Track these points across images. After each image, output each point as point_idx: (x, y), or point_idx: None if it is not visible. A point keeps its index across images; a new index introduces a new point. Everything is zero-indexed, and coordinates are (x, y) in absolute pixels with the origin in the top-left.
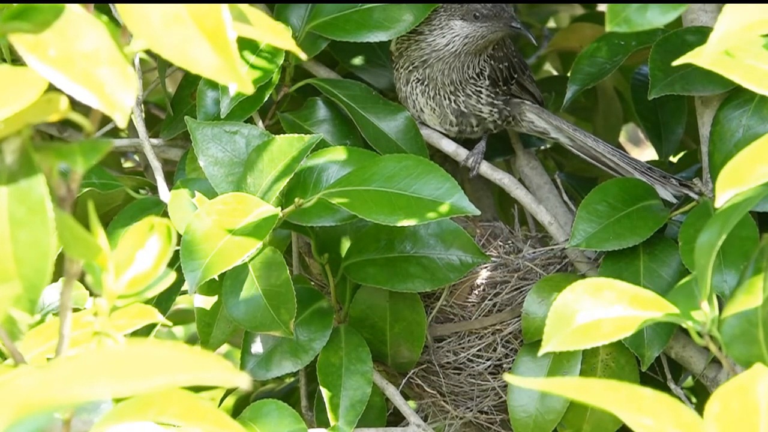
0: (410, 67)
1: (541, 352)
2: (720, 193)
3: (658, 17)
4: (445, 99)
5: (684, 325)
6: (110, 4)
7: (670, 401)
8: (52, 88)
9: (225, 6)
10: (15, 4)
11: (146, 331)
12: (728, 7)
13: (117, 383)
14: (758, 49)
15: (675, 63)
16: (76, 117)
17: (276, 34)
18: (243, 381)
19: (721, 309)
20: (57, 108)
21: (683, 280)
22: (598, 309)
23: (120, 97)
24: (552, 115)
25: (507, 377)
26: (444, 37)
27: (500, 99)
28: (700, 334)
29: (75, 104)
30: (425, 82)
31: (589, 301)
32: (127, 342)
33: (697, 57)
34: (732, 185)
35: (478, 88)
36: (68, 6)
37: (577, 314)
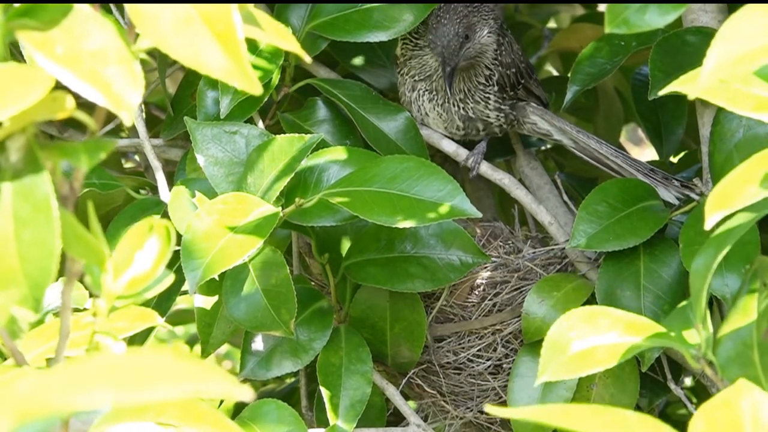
0: (416, 77)
1: (538, 382)
2: (709, 216)
3: (657, 19)
4: (453, 106)
5: (679, 350)
6: (115, 4)
7: (654, 423)
8: (57, 86)
9: (235, 8)
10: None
11: (146, 331)
12: (720, 35)
13: (116, 393)
14: (743, 73)
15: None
16: (81, 116)
17: (281, 36)
18: (244, 394)
19: (722, 313)
20: (63, 106)
21: (680, 305)
22: (593, 336)
23: (127, 96)
24: (555, 117)
25: (488, 408)
26: (435, 60)
27: (507, 104)
28: (695, 358)
29: (79, 103)
30: (432, 92)
31: (584, 328)
32: (126, 347)
33: (687, 85)
34: (720, 207)
35: (487, 94)
36: (76, 4)
37: (573, 342)
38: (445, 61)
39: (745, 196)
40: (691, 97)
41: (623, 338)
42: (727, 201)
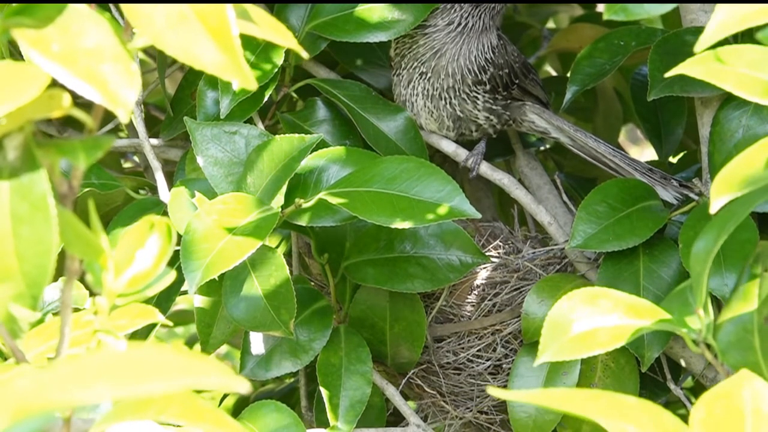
0: (415, 64)
1: (537, 362)
2: (714, 200)
3: (655, 6)
4: (441, 99)
5: (679, 333)
6: (111, 4)
7: (653, 408)
8: (54, 85)
9: (230, 5)
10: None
11: (146, 331)
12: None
13: (115, 386)
14: (751, 57)
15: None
16: (79, 113)
17: (278, 32)
18: (241, 386)
19: (721, 312)
20: (59, 104)
21: (679, 287)
22: (595, 318)
23: (123, 93)
24: (553, 116)
25: (491, 390)
26: (453, 20)
27: (499, 104)
28: (695, 342)
29: (76, 102)
30: (429, 75)
31: (585, 310)
32: (127, 344)
33: (691, 67)
34: (726, 191)
35: (476, 93)
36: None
37: (573, 323)
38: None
39: (751, 179)
40: (696, 75)
41: (624, 320)
42: (732, 185)
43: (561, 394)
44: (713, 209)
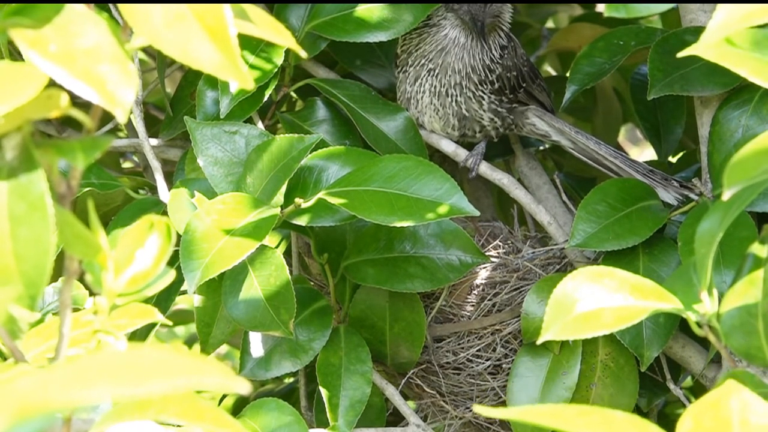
0: (423, 61)
1: (540, 340)
2: (728, 187)
3: (655, 5)
4: (448, 97)
5: (684, 316)
6: (110, 4)
7: (641, 423)
8: (52, 84)
9: (227, 3)
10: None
11: (146, 330)
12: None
13: (115, 387)
14: (766, 42)
15: (679, 54)
16: (77, 113)
17: (276, 31)
18: (242, 386)
19: (725, 296)
20: (57, 104)
21: (680, 268)
22: (599, 297)
23: (121, 94)
24: (555, 118)
25: (476, 408)
26: (454, 28)
27: (504, 107)
28: (699, 325)
29: (75, 102)
30: (436, 72)
31: (590, 289)
32: (127, 344)
33: (703, 50)
34: (740, 178)
35: (481, 93)
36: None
37: (578, 303)
38: (473, 17)
39: (764, 168)
40: (709, 58)
41: (629, 301)
42: (745, 172)
43: (550, 410)
44: (726, 196)
